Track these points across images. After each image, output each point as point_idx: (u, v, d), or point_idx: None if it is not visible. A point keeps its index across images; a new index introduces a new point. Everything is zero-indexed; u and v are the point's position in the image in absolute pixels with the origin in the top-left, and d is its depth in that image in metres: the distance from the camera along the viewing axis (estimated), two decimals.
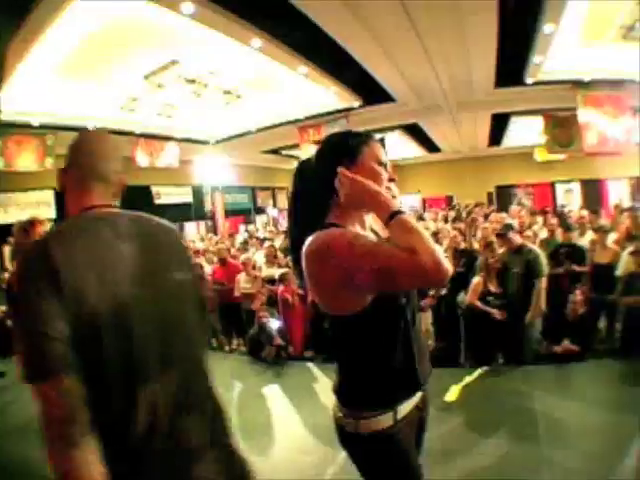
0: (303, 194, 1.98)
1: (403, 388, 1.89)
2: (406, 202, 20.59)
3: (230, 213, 21.76)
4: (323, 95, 13.09)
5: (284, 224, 20.06)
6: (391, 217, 1.63)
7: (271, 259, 9.63)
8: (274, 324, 7.55)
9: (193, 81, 11.72)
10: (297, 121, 15.24)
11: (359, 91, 13.04)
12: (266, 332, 7.50)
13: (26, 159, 12.54)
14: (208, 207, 20.75)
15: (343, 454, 1.95)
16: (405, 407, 1.87)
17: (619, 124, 11.98)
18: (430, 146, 21.51)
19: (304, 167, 2.01)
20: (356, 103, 13.75)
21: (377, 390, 1.84)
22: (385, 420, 1.81)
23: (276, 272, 8.81)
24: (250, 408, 5.59)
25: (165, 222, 1.90)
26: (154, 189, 18.53)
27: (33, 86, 10.49)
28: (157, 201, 18.71)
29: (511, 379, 5.42)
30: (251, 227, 19.13)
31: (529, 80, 11.72)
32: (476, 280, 6.48)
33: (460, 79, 11.93)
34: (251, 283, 8.58)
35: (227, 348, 8.91)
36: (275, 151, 20.69)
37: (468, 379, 5.15)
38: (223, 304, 8.66)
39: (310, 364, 6.89)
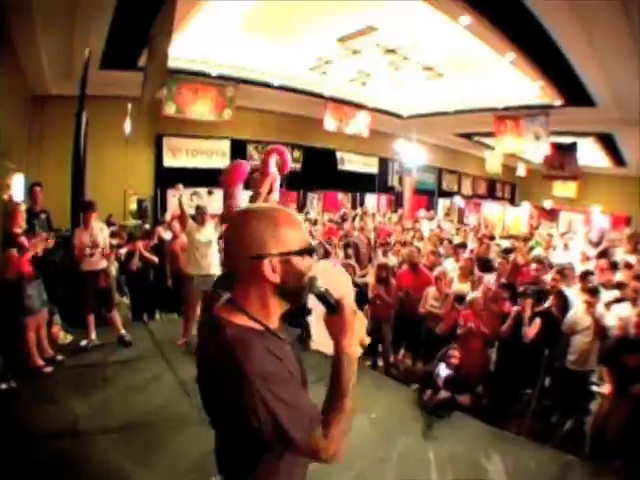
0: None
1: None
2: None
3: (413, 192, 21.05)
4: (525, 87, 12.27)
5: (471, 218, 19.21)
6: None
7: (466, 273, 8.15)
8: (443, 371, 6.07)
9: (393, 51, 11.28)
10: (495, 109, 14.43)
11: (562, 89, 11.99)
12: (433, 378, 6.06)
13: (202, 107, 12.78)
14: (392, 182, 20.35)
15: None
16: None
17: None
18: (617, 159, 19.49)
19: None
20: (558, 102, 12.68)
21: None
22: None
23: (463, 288, 7.72)
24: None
25: None
26: (339, 155, 18.42)
27: (213, 36, 10.54)
28: (340, 167, 18.61)
29: None
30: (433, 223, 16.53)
31: None
32: None
33: None
34: (441, 302, 7.35)
35: (391, 360, 7.70)
36: (467, 135, 19.95)
37: None
38: (402, 316, 7.61)
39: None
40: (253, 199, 2.78)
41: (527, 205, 19.03)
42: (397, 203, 20.13)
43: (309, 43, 11.02)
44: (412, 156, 18.10)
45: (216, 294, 1.72)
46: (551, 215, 20.80)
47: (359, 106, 15.70)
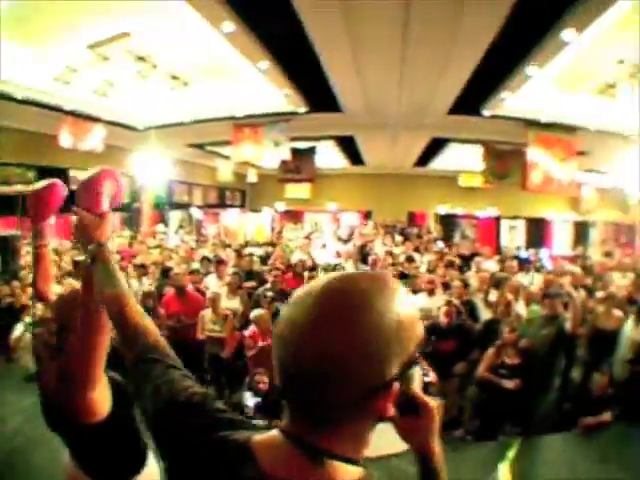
0: None
1: None
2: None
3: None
4: (270, 95, 12.39)
5: (210, 228, 19.02)
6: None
7: (234, 289, 8.00)
8: (251, 400, 5.71)
9: (143, 59, 10.73)
10: (235, 118, 14.39)
11: (309, 97, 12.46)
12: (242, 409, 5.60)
13: None
14: (126, 198, 18.65)
15: None
16: None
17: (565, 166, 12.14)
18: (354, 158, 20.94)
19: None
20: (303, 109, 13.14)
21: None
22: None
23: (234, 304, 7.69)
24: None
25: None
26: (72, 173, 16.45)
27: None
28: (73, 186, 16.97)
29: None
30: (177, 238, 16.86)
31: (486, 112, 11.74)
32: (489, 351, 5.99)
33: (419, 101, 11.74)
34: (220, 325, 7.06)
35: None
36: (199, 145, 19.64)
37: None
38: (179, 343, 6.81)
39: None
40: (86, 257, 1.78)
41: (268, 210, 19.45)
42: (133, 221, 19.08)
43: (59, 50, 9.95)
44: (146, 170, 17.19)
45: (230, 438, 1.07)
46: (295, 218, 21.55)
47: (96, 119, 14.56)
